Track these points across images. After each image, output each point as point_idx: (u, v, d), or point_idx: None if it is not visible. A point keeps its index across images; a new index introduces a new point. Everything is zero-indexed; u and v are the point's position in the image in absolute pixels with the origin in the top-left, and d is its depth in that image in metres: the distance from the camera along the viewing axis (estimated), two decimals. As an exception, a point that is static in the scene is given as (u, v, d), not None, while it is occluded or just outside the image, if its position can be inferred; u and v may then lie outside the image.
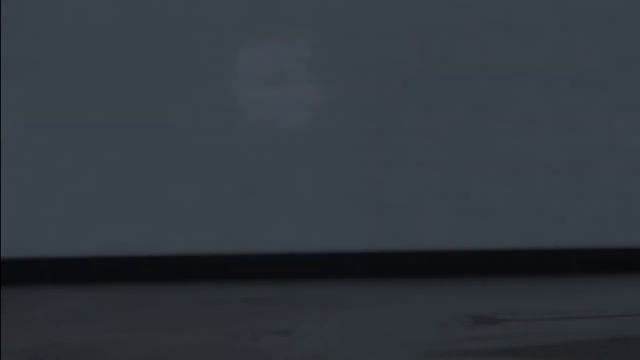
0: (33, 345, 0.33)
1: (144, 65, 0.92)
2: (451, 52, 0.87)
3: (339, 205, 0.86)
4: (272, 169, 0.87)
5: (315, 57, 0.86)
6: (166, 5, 0.87)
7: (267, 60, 0.86)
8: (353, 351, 0.30)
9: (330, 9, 0.87)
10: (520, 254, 0.87)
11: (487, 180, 0.88)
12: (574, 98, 0.90)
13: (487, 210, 0.87)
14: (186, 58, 0.88)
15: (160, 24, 0.88)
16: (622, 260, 0.88)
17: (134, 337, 0.38)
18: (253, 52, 0.87)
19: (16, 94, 0.91)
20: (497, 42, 0.88)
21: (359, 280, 0.77)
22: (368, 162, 0.86)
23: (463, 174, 0.87)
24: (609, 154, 0.89)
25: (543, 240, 0.88)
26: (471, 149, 0.87)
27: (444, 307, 0.49)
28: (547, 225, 0.87)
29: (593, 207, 0.88)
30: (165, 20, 0.88)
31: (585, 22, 0.90)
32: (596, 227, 0.89)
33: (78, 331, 0.43)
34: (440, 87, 0.87)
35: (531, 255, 0.86)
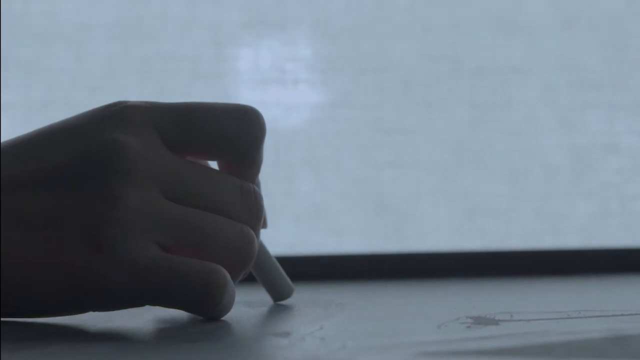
0: (33, 345, 0.33)
1: (144, 64, 0.93)
2: (451, 52, 0.87)
3: (338, 205, 0.86)
4: (271, 168, 0.87)
5: (315, 57, 0.87)
6: (166, 5, 0.88)
7: (267, 60, 0.86)
8: (353, 352, 0.31)
9: (331, 8, 0.88)
10: (520, 254, 0.87)
11: (487, 180, 0.88)
12: (574, 98, 0.90)
13: (487, 210, 0.87)
14: (186, 57, 0.89)
15: (160, 24, 0.88)
16: (622, 260, 0.88)
17: (134, 337, 0.38)
18: (253, 52, 0.87)
19: (16, 93, 0.92)
20: (497, 42, 0.88)
21: (359, 281, 0.78)
22: (368, 162, 0.86)
23: (463, 174, 0.87)
24: (609, 154, 0.89)
25: (543, 240, 0.88)
26: (471, 149, 0.87)
27: (444, 307, 0.49)
28: (547, 225, 0.88)
29: (593, 207, 0.88)
30: (166, 20, 0.88)
31: (586, 22, 0.90)
32: (596, 227, 0.89)
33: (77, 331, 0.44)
34: (440, 87, 0.87)
35: (531, 255, 0.87)
